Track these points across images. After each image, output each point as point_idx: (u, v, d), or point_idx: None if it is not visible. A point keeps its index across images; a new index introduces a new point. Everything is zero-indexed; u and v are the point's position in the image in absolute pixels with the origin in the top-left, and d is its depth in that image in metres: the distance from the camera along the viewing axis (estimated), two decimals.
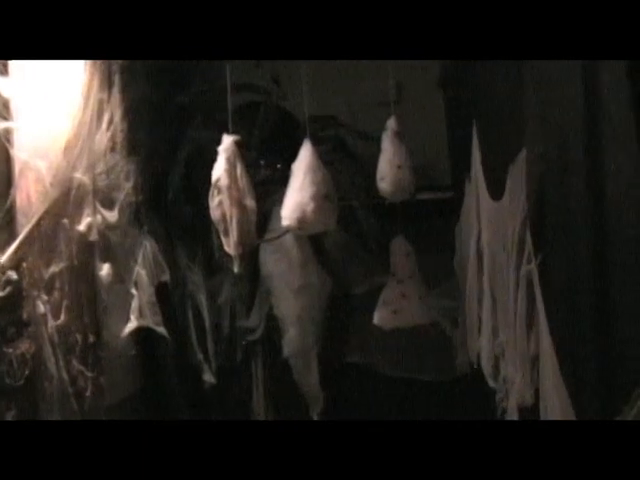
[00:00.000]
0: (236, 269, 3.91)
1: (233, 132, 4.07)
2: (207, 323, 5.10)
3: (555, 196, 2.71)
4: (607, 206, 2.22)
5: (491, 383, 3.52)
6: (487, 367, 3.51)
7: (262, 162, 4.92)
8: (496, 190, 3.24)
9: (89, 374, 3.82)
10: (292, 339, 5.10)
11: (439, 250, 4.93)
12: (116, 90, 4.25)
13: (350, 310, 5.49)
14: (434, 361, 5.46)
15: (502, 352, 3.25)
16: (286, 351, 5.12)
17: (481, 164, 3.50)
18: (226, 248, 3.93)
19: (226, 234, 3.90)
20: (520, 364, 2.87)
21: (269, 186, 4.83)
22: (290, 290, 5.05)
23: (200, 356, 5.01)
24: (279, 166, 4.88)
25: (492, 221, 3.26)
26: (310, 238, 4.93)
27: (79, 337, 3.75)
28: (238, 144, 3.93)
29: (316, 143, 4.61)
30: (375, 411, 5.50)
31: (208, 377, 5.04)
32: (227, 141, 3.92)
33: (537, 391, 2.74)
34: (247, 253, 4.01)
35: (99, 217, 4.01)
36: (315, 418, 5.27)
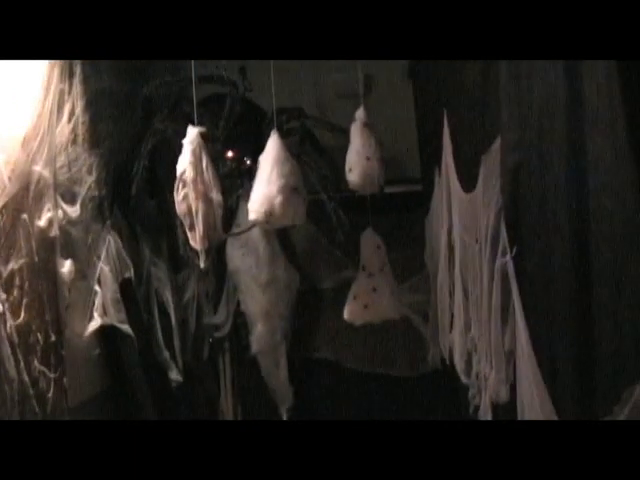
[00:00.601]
0: (202, 264, 3.78)
1: (198, 124, 3.95)
2: (173, 320, 5.00)
3: (531, 186, 2.62)
4: (586, 196, 2.13)
5: (464, 379, 3.44)
6: (459, 363, 3.43)
7: (228, 154, 4.80)
8: (468, 182, 3.16)
9: (51, 375, 3.69)
10: (260, 335, 5.03)
11: (409, 244, 4.95)
12: (77, 81, 4.13)
13: (319, 305, 5.46)
14: (404, 356, 5.45)
15: (475, 347, 3.17)
16: (254, 348, 5.05)
17: (452, 155, 3.41)
18: (191, 243, 3.79)
19: (192, 228, 3.77)
20: (495, 360, 2.79)
21: (235, 179, 4.79)
22: (257, 285, 4.98)
23: (166, 354, 4.91)
24: (245, 159, 4.77)
25: (464, 213, 3.17)
26: (277, 232, 4.88)
27: (40, 336, 3.62)
28: (204, 136, 3.79)
29: (283, 135, 4.57)
30: (345, 408, 5.47)
31: (175, 375, 4.95)
32: (192, 133, 3.78)
33: (513, 387, 2.66)
34: (213, 248, 3.89)
35: (60, 212, 3.88)
36: (284, 415, 5.19)
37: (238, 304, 5.12)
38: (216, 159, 4.63)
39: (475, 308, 3.07)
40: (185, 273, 5.14)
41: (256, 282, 4.97)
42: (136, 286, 4.70)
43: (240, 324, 5.19)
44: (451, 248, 3.54)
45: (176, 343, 4.99)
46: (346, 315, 4.13)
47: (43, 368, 3.59)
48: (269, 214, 3.64)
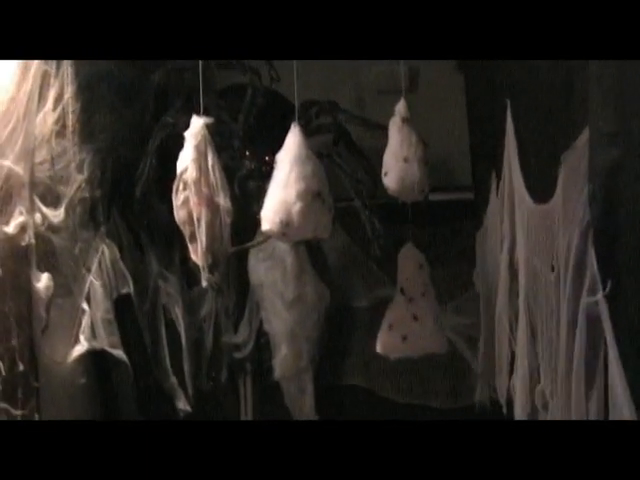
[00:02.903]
0: (204, 283, 3.13)
1: (215, 117, 3.35)
2: (184, 340, 4.43)
3: (633, 196, 1.84)
4: None
5: None
6: (521, 418, 2.65)
7: (247, 153, 4.16)
8: (541, 189, 2.38)
9: (17, 412, 2.99)
10: (284, 359, 4.51)
11: (454, 259, 4.45)
12: (68, 62, 3.47)
13: (351, 326, 4.95)
14: (447, 387, 4.86)
15: (544, 404, 2.39)
16: (277, 372, 4.52)
17: (518, 155, 2.63)
18: (192, 257, 3.14)
19: (192, 240, 3.12)
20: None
21: (255, 182, 4.11)
22: (283, 302, 4.48)
23: (174, 380, 4.34)
24: (267, 158, 4.04)
25: (534, 231, 2.39)
26: (306, 243, 4.33)
27: (3, 366, 2.91)
28: (210, 128, 3.10)
29: (313, 132, 3.96)
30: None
31: (182, 405, 4.37)
32: (196, 124, 3.14)
33: None
34: (220, 264, 3.18)
35: (38, 216, 3.21)
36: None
37: (260, 323, 4.60)
38: (233, 158, 4.10)
39: (548, 355, 2.29)
40: (201, 287, 4.49)
41: (281, 299, 4.47)
42: (138, 303, 4.08)
43: (262, 345, 4.67)
44: (514, 272, 2.78)
45: (186, 367, 4.41)
46: (379, 348, 3.41)
47: (4, 404, 2.90)
48: (285, 224, 2.95)
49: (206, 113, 3.21)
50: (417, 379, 4.82)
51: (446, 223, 4.40)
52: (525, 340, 2.55)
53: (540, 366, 2.46)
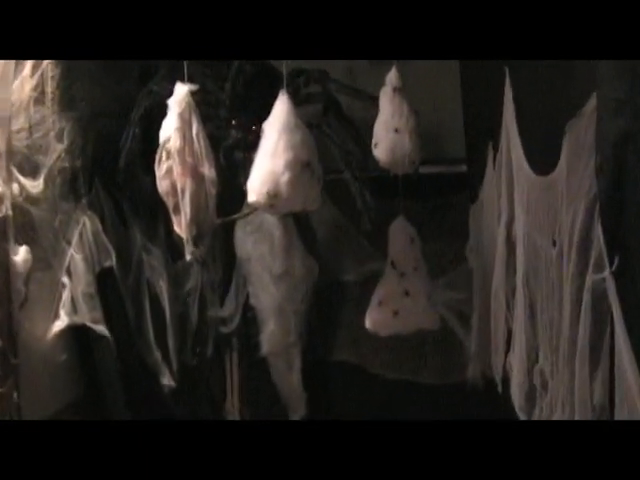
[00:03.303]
0: (188, 256, 3.01)
1: (200, 85, 3.21)
2: (168, 315, 4.31)
3: None
4: None
5: (521, 416, 2.56)
6: (518, 397, 2.55)
7: (234, 122, 4.01)
8: (542, 160, 2.25)
9: None
10: (272, 334, 4.42)
11: (445, 233, 4.32)
12: None
13: (340, 301, 4.86)
14: (437, 362, 4.77)
15: (544, 384, 2.29)
16: (265, 348, 4.43)
17: (517, 124, 2.50)
18: (176, 229, 3.02)
19: (176, 211, 3.01)
20: (578, 415, 1.90)
21: (242, 152, 3.98)
22: (270, 276, 4.38)
23: (157, 355, 4.20)
24: (254, 128, 3.89)
25: (535, 203, 2.27)
26: (295, 216, 4.22)
27: None
28: (195, 96, 2.97)
29: (301, 101, 3.82)
30: (366, 418, 4.71)
31: (167, 380, 4.24)
32: (180, 91, 3.01)
33: None
34: (205, 236, 3.06)
35: (16, 187, 3.09)
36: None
37: (248, 297, 4.48)
38: (219, 128, 3.96)
39: (548, 334, 2.18)
40: (186, 260, 4.37)
41: (269, 273, 4.36)
42: (121, 276, 3.94)
43: (249, 320, 4.54)
44: (511, 246, 2.66)
45: (170, 342, 4.28)
46: (369, 324, 3.29)
47: None
48: (273, 195, 2.83)
49: (191, 81, 3.08)
50: (407, 355, 4.72)
51: (438, 196, 4.28)
52: (523, 318, 2.43)
53: (539, 345, 2.34)
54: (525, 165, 2.35)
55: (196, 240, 3.01)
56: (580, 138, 1.90)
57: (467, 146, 3.98)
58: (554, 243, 2.07)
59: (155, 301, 4.24)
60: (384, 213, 3.80)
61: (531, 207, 2.30)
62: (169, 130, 2.96)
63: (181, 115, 2.96)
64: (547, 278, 2.16)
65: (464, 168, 4.14)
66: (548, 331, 2.21)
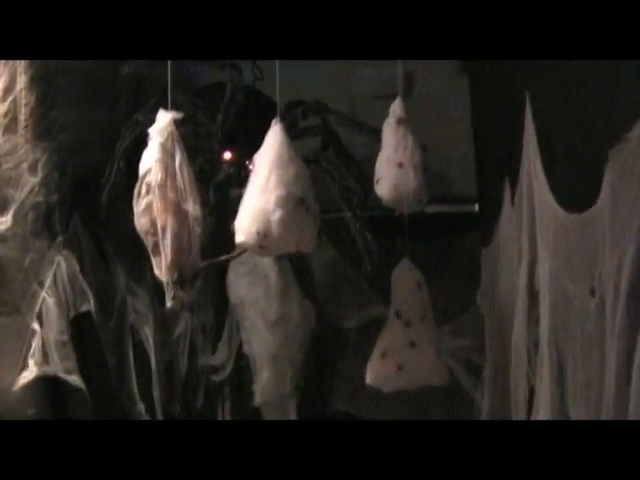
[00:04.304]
0: (168, 303, 2.73)
1: (191, 116, 3.22)
2: (153, 363, 4.15)
3: None
4: None
5: None
6: None
7: (225, 157, 3.80)
8: (573, 195, 1.93)
9: None
10: (266, 383, 4.28)
11: (453, 276, 4.08)
12: None
13: (339, 349, 4.63)
14: (442, 415, 4.45)
15: None
16: (258, 398, 4.27)
17: (540, 156, 2.19)
18: (156, 272, 2.74)
19: (156, 252, 2.72)
20: None
21: (234, 188, 3.73)
22: (265, 322, 4.25)
23: (141, 407, 4.03)
24: (248, 162, 3.63)
25: (564, 244, 1.95)
26: (291, 258, 4.06)
27: None
28: (179, 124, 2.73)
29: (299, 134, 3.63)
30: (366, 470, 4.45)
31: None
32: (163, 119, 2.74)
33: None
34: (188, 280, 2.76)
35: None
36: None
37: (241, 344, 4.35)
38: (209, 162, 3.80)
39: (582, 398, 1.85)
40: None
41: (264, 318, 4.23)
42: (100, 321, 3.75)
43: (243, 368, 4.41)
44: (533, 294, 2.36)
45: (156, 392, 4.11)
46: (370, 378, 2.97)
47: None
48: (263, 235, 2.59)
49: (179, 110, 2.84)
50: (412, 409, 4.39)
51: (446, 237, 4.05)
52: (550, 376, 2.10)
53: (569, 409, 2.01)
54: (551, 200, 2.03)
55: (178, 285, 2.69)
56: (627, 166, 1.58)
57: (479, 182, 3.72)
58: (592, 292, 1.74)
59: (139, 348, 4.07)
60: (387, 255, 3.61)
61: (560, 249, 1.98)
62: (149, 162, 2.69)
63: (163, 145, 2.69)
64: (582, 333, 1.83)
65: (475, 207, 3.90)
66: (583, 394, 1.87)
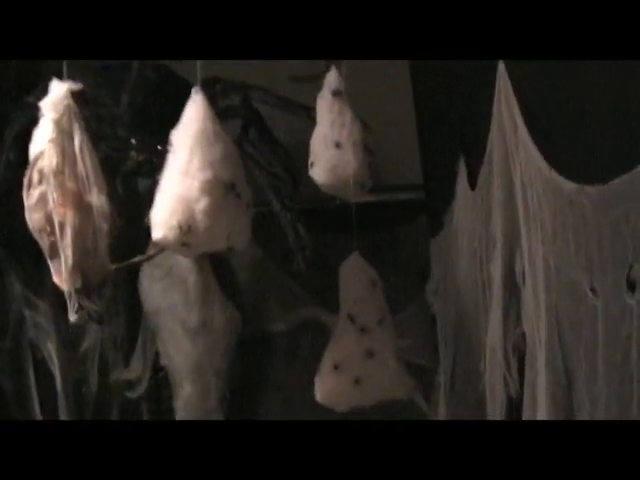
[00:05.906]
0: (71, 316, 2.31)
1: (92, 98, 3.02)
2: (58, 383, 3.95)
3: None
4: None
5: None
6: None
7: (133, 141, 3.47)
8: (582, 165, 1.57)
9: None
10: (188, 398, 4.11)
11: (400, 274, 3.84)
12: None
13: (267, 355, 4.57)
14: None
15: None
16: (180, 415, 4.10)
17: (526, 125, 1.84)
18: (55, 279, 2.35)
19: (54, 254, 2.31)
20: None
21: (146, 178, 3.47)
22: (185, 331, 4.07)
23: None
24: (159, 147, 3.26)
25: (572, 227, 1.58)
26: (212, 257, 3.87)
27: None
28: (77, 96, 2.29)
29: (217, 115, 3.23)
30: None
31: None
32: (58, 90, 2.28)
33: None
34: (94, 287, 2.36)
35: None
36: None
37: (158, 355, 4.21)
38: (115, 149, 3.49)
39: (604, 404, 1.50)
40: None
41: (183, 326, 4.06)
42: None
43: (161, 382, 4.26)
44: (514, 290, 2.01)
45: (63, 416, 3.92)
46: (321, 396, 2.57)
47: None
48: (186, 230, 2.16)
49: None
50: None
51: (389, 228, 3.85)
52: (550, 384, 1.75)
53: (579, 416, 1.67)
54: (552, 174, 1.65)
55: (82, 293, 2.26)
56: None
57: (424, 164, 3.40)
58: (593, 291, 1.38)
59: (42, 367, 3.86)
60: (324, 249, 3.51)
61: (566, 233, 1.60)
62: (42, 143, 2.24)
63: (58, 123, 2.24)
64: (607, 335, 1.45)
65: (421, 195, 3.66)
66: (601, 401, 1.53)
